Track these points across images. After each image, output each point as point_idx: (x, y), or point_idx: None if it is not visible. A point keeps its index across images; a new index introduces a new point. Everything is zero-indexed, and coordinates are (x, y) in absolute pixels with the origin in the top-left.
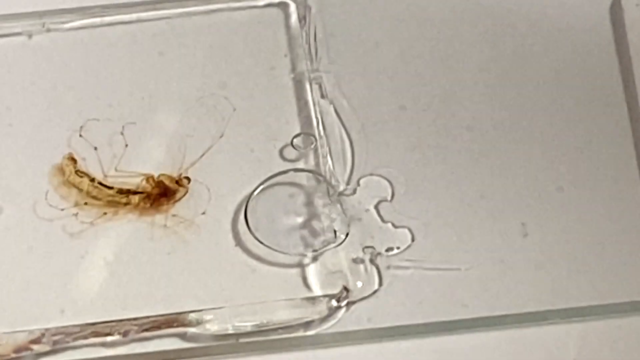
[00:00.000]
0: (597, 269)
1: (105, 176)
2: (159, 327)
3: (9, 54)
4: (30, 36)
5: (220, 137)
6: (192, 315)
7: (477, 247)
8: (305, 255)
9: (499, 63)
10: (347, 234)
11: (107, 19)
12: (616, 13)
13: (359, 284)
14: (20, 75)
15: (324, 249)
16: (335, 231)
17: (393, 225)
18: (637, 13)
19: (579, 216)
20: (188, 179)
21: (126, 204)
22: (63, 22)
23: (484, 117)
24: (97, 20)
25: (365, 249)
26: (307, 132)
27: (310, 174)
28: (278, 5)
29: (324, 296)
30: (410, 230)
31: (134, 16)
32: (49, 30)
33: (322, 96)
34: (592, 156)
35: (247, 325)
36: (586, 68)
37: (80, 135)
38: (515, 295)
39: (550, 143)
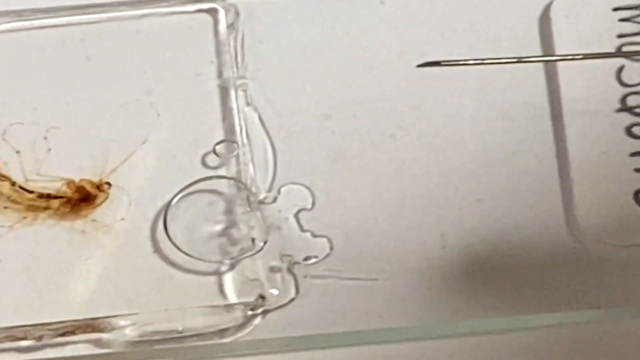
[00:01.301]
0: (516, 281)
1: (27, 180)
2: (73, 332)
3: None
4: None
5: (143, 143)
6: (107, 321)
7: (395, 257)
8: (222, 263)
9: (424, 71)
10: (265, 242)
11: (36, 22)
12: (544, 24)
13: (275, 291)
14: None
15: (242, 256)
16: (253, 239)
17: (312, 234)
18: (565, 24)
19: (498, 228)
20: (109, 184)
21: (46, 208)
22: None
23: (408, 127)
24: (26, 23)
25: (283, 258)
26: (229, 139)
27: (232, 182)
28: (207, 11)
29: (240, 304)
30: (329, 239)
31: (63, 20)
32: None
33: (247, 103)
34: (514, 168)
35: (162, 331)
36: (512, 79)
37: (4, 139)
38: (432, 306)
39: (472, 154)
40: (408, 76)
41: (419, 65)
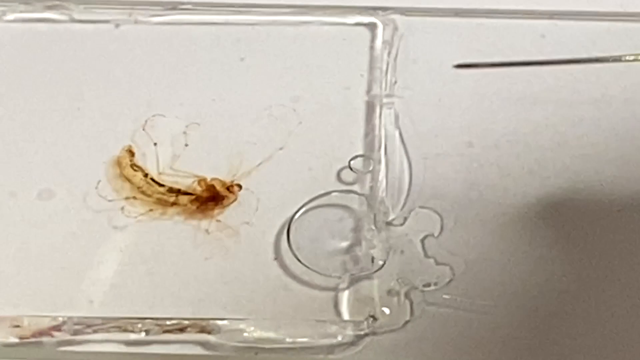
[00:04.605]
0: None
1: (160, 173)
2: (181, 330)
3: (93, 41)
4: (117, 25)
5: (280, 149)
6: (217, 323)
7: (515, 293)
8: (341, 279)
9: (573, 113)
10: (384, 262)
11: (195, 17)
12: None
13: (387, 311)
14: (99, 62)
15: (360, 274)
16: (373, 258)
17: (435, 261)
18: None
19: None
20: (240, 186)
21: (174, 203)
22: (151, 16)
23: (548, 162)
24: (184, 17)
25: (402, 281)
26: (367, 155)
27: (363, 199)
28: (367, 25)
29: (350, 322)
30: (451, 267)
31: (221, 18)
32: (136, 22)
33: (391, 122)
34: None
35: (270, 339)
36: None
37: (144, 129)
38: (544, 348)
39: (609, 195)
40: (554, 114)
41: (455, 66)
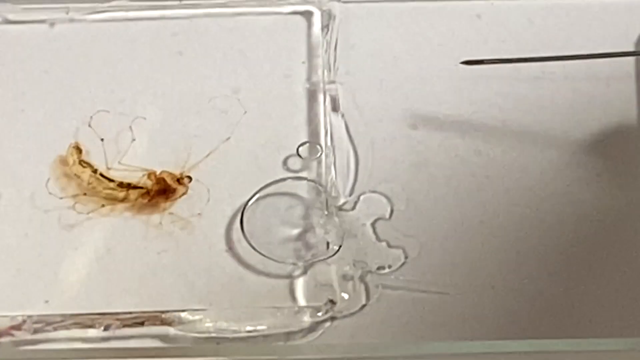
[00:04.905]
0: (591, 303)
1: (108, 169)
2: (141, 324)
3: (30, 41)
4: (52, 25)
5: (227, 139)
6: (175, 315)
7: (469, 272)
8: (296, 266)
9: (519, 92)
10: (339, 247)
11: (131, 13)
12: None
13: (345, 296)
14: (39, 62)
15: (315, 260)
16: (328, 243)
17: (388, 244)
18: None
19: (576, 249)
20: (189, 178)
21: (124, 198)
22: (87, 13)
23: (494, 143)
24: (121, 14)
25: (357, 265)
26: (313, 141)
27: (312, 186)
28: (302, 13)
29: (309, 307)
30: (404, 250)
31: (157, 13)
32: (72, 20)
33: (334, 107)
34: (596, 191)
35: (229, 329)
36: (603, 103)
37: (89, 126)
38: (502, 323)
39: (555, 174)
40: (498, 93)
41: (462, 63)
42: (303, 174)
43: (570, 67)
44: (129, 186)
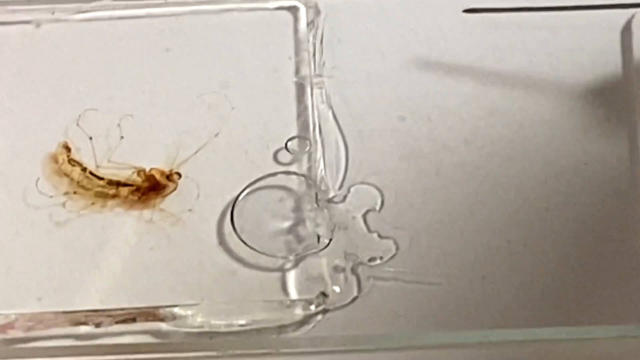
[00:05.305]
0: (582, 292)
1: (98, 167)
2: (133, 320)
3: (16, 41)
4: (38, 25)
5: (216, 135)
6: (168, 310)
7: (460, 262)
8: (287, 259)
9: (504, 79)
10: (330, 240)
11: (117, 12)
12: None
13: (337, 289)
14: (25, 62)
15: (306, 253)
16: (318, 237)
17: (379, 235)
18: None
19: (565, 237)
20: (179, 174)
21: (114, 195)
22: (73, 13)
23: (483, 133)
24: (107, 13)
25: (348, 257)
26: (302, 135)
27: (302, 179)
28: (288, 8)
29: (301, 300)
30: (395, 241)
31: (143, 11)
32: (57, 20)
33: (322, 101)
34: (584, 178)
35: (221, 324)
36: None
37: (78, 125)
38: (494, 313)
39: (543, 163)
40: (485, 82)
41: (465, 11)
42: (293, 168)
43: (556, 55)
44: (119, 184)
